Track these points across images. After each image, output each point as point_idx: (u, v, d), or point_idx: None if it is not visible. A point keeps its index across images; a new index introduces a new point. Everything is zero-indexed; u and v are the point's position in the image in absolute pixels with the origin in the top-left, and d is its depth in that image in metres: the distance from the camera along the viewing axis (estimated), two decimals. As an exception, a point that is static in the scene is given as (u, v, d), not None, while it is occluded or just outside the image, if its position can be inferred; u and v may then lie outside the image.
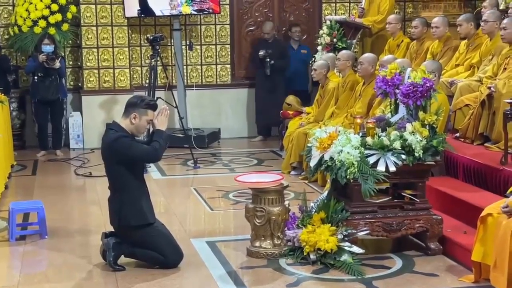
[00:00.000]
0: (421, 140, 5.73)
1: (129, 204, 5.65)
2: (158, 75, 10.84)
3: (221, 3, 11.36)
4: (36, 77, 10.24)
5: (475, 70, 8.21)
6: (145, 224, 5.67)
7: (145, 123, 5.73)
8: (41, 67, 10.14)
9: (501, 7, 9.23)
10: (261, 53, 11.20)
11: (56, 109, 10.54)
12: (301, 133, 8.76)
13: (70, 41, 11.07)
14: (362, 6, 10.49)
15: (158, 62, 10.11)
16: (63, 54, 11.05)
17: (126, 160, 5.61)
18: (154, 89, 9.87)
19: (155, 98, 9.56)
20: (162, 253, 5.66)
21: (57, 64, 10.14)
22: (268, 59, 11.20)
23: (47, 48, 10.15)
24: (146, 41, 10.74)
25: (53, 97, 10.34)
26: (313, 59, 10.28)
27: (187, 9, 11.13)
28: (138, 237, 5.67)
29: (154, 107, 5.75)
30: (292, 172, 8.94)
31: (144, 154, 5.68)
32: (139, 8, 11.03)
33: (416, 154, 5.72)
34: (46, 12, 10.58)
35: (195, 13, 11.25)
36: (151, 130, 5.86)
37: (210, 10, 11.23)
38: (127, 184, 5.66)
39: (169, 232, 5.83)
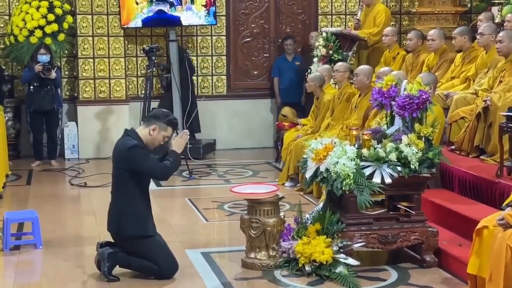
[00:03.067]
0: (417, 152, 5.73)
1: (129, 214, 5.64)
2: (154, 86, 10.82)
3: (217, 14, 11.36)
4: (31, 87, 10.24)
5: (471, 83, 8.22)
6: (144, 236, 5.66)
7: (162, 138, 5.76)
8: (37, 77, 10.13)
9: (497, 20, 9.26)
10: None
11: (51, 119, 10.52)
12: (299, 144, 8.72)
13: (66, 51, 11.05)
14: (358, 18, 10.51)
15: (154, 73, 10.09)
16: (59, 64, 11.04)
17: (136, 170, 5.61)
18: (150, 100, 9.87)
19: (151, 109, 9.57)
20: (158, 264, 5.64)
21: (53, 74, 10.13)
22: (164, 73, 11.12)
23: (43, 58, 10.14)
24: (142, 52, 10.74)
25: (48, 107, 10.34)
26: (309, 70, 10.28)
27: (183, 20, 11.15)
28: (134, 246, 5.66)
29: (175, 125, 5.84)
30: (287, 184, 8.93)
31: (156, 169, 5.67)
32: (136, 19, 11.04)
33: (412, 166, 5.72)
34: (42, 22, 10.56)
35: (191, 24, 11.26)
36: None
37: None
38: (130, 192, 5.64)
39: (165, 243, 5.81)
